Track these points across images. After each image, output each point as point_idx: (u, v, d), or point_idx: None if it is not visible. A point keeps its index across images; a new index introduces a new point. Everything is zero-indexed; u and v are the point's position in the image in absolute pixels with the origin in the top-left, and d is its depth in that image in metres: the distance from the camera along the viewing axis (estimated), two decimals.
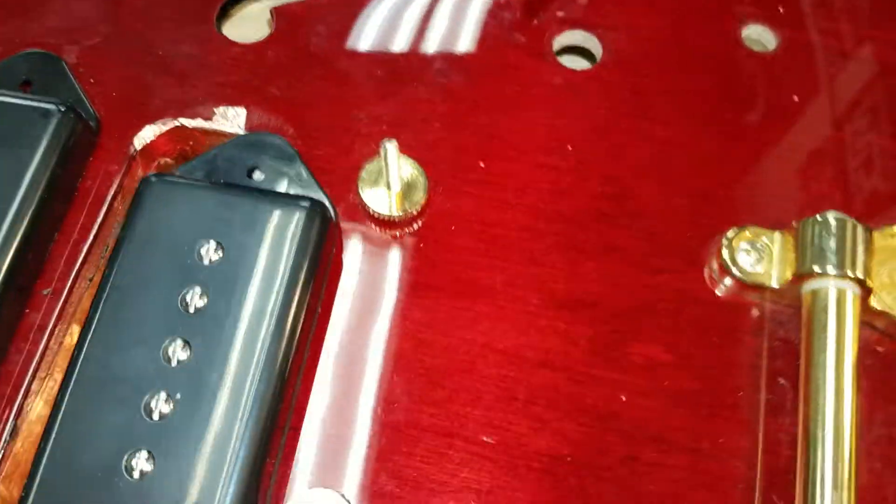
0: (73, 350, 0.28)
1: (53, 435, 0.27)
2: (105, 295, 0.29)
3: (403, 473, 0.29)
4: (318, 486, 0.29)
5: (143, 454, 0.26)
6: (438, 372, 0.30)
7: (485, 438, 0.29)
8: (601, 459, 0.29)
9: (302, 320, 0.29)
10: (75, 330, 0.32)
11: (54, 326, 0.31)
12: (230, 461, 0.26)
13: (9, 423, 0.30)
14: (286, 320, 0.29)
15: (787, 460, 0.29)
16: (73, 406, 0.27)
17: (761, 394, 0.30)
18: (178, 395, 0.27)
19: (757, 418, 0.30)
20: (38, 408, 0.31)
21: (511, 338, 0.31)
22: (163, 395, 0.27)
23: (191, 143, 0.36)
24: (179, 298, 0.29)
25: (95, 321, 0.28)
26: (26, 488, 0.26)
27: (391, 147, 0.31)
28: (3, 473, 0.29)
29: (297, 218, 0.30)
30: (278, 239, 0.30)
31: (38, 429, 0.30)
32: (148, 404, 0.27)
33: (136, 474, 0.26)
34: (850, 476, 0.27)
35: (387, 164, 0.32)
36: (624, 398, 0.30)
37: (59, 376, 0.31)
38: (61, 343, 0.32)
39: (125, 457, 0.26)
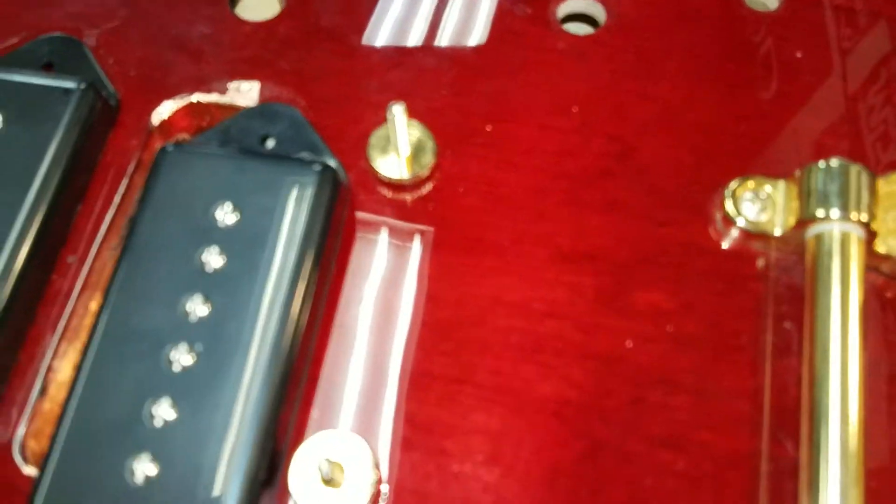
0: (98, 310, 0.30)
1: (79, 388, 0.28)
2: (125, 256, 0.30)
3: (416, 419, 0.29)
4: (335, 430, 0.30)
5: (167, 403, 0.28)
6: (449, 324, 0.31)
7: (493, 384, 0.30)
8: (608, 402, 0.30)
9: (316, 276, 0.31)
10: (100, 298, 0.33)
11: (80, 292, 0.33)
12: (250, 408, 0.27)
13: (38, 382, 0.31)
14: (301, 276, 0.30)
15: (795, 399, 0.29)
16: (97, 360, 0.28)
17: (767, 337, 0.31)
18: (200, 348, 0.28)
19: (763, 360, 0.30)
20: (66, 371, 0.32)
21: (518, 291, 0.32)
22: (183, 347, 0.28)
23: (207, 118, 0.38)
24: (197, 258, 0.30)
25: (117, 280, 0.30)
26: (54, 438, 0.27)
27: (398, 110, 0.32)
28: (34, 430, 0.30)
29: (309, 181, 0.32)
30: (292, 200, 0.31)
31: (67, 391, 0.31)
32: (168, 356, 0.28)
33: (158, 422, 0.27)
34: (858, 410, 0.27)
35: (394, 127, 0.33)
36: (629, 344, 0.31)
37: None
38: (87, 309, 0.33)
39: (148, 406, 0.27)
